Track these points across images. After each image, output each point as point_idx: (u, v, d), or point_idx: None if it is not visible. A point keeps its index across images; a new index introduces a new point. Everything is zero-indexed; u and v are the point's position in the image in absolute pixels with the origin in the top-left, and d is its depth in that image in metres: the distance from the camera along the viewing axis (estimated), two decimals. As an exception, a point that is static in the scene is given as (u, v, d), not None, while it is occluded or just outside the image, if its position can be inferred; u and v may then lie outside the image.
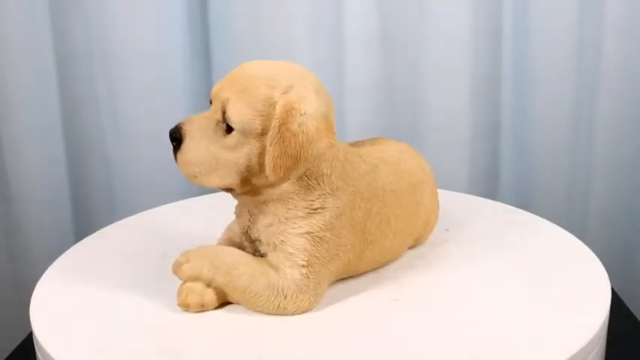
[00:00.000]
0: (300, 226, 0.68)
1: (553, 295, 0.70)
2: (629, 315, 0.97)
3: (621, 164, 1.28)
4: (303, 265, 0.67)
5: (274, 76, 0.66)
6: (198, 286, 0.68)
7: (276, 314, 0.67)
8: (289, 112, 0.65)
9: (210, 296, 0.68)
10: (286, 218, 0.69)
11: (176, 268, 0.69)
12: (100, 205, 1.29)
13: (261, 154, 0.66)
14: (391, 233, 0.75)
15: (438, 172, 1.29)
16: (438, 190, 0.86)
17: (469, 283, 0.73)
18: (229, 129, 0.67)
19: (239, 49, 1.23)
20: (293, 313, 0.67)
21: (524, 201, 1.31)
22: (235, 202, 0.74)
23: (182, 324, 0.66)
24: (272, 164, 0.65)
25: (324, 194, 0.68)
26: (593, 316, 0.66)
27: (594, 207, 1.30)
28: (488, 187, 1.32)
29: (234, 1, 1.22)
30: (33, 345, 0.68)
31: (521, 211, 0.95)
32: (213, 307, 0.68)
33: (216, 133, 0.68)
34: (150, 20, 1.21)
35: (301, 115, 0.65)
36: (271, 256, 0.69)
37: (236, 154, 0.67)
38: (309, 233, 0.68)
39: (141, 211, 0.98)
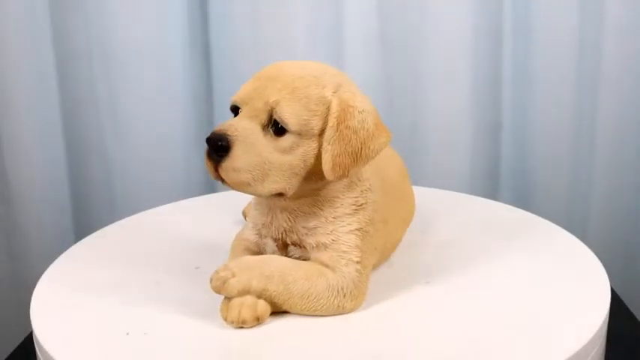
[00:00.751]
0: (349, 224, 0.68)
1: (553, 295, 0.70)
2: (629, 315, 0.97)
3: (622, 164, 1.28)
4: (357, 262, 0.67)
5: (320, 75, 0.66)
6: (249, 299, 0.64)
7: (334, 314, 0.66)
8: (346, 110, 0.64)
9: (263, 307, 0.64)
10: (334, 217, 0.68)
11: (221, 285, 0.64)
12: (100, 205, 1.29)
13: (318, 155, 0.65)
14: (399, 222, 0.77)
15: (439, 172, 1.30)
16: (438, 190, 0.86)
17: (468, 282, 0.73)
18: (279, 131, 0.64)
19: (239, 49, 1.23)
20: (350, 311, 0.67)
21: (525, 201, 1.31)
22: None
23: (182, 324, 0.66)
24: (331, 163, 0.64)
25: (365, 190, 0.69)
26: (592, 316, 0.66)
27: (595, 207, 1.30)
28: (489, 187, 1.32)
29: (234, 1, 1.22)
30: (33, 345, 0.68)
31: (521, 211, 0.95)
32: (267, 318, 0.65)
33: (266, 137, 0.64)
34: (150, 20, 1.21)
35: (360, 112, 0.65)
36: (323, 257, 0.68)
37: (290, 157, 0.65)
38: (358, 230, 0.68)
39: (141, 211, 0.98)
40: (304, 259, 0.69)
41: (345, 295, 0.66)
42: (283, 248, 0.71)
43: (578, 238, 0.84)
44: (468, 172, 1.29)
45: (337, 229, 0.68)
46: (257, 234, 0.72)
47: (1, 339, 1.21)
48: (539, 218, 0.91)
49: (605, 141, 1.27)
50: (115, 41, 1.21)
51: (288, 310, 0.66)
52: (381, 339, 0.63)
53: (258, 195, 0.66)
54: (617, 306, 0.90)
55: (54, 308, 0.70)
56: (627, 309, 0.98)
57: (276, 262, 0.67)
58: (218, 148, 0.64)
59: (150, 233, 0.88)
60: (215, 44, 1.25)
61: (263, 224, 0.71)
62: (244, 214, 0.89)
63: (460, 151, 1.28)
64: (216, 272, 0.64)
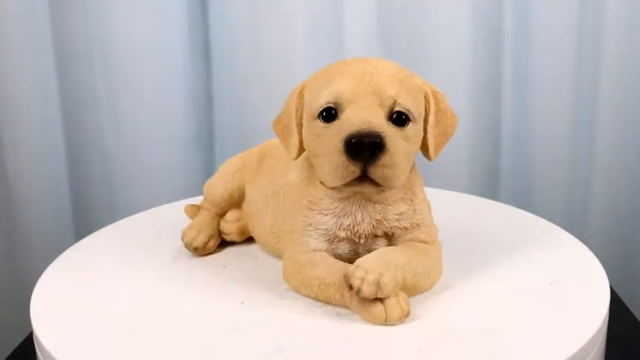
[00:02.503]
0: (422, 200, 0.72)
1: (552, 295, 0.70)
2: (629, 315, 0.97)
3: (621, 164, 1.28)
4: (437, 230, 0.73)
5: (401, 68, 0.68)
6: (401, 294, 0.64)
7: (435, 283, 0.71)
8: (437, 95, 0.69)
9: (405, 299, 0.65)
10: (412, 200, 0.71)
11: (374, 287, 0.61)
12: (100, 205, 1.29)
13: (423, 140, 0.69)
14: None
15: (438, 171, 1.30)
16: (438, 190, 0.86)
17: (467, 282, 0.73)
18: (402, 122, 0.65)
19: (239, 49, 1.24)
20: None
21: (525, 201, 1.31)
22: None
23: (182, 323, 0.66)
24: (434, 145, 0.69)
25: (415, 167, 0.73)
26: (592, 316, 0.66)
27: (594, 207, 1.31)
28: (489, 186, 1.32)
29: (234, 1, 1.22)
30: (33, 345, 0.68)
31: (520, 211, 0.95)
32: None
33: (395, 130, 0.64)
34: (150, 20, 1.21)
35: (444, 97, 0.70)
36: (421, 235, 0.71)
37: (412, 145, 0.67)
38: (427, 202, 0.74)
39: (141, 211, 0.98)
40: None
41: (442, 263, 0.72)
42: (364, 245, 0.70)
43: (577, 237, 0.84)
44: (468, 172, 1.29)
45: (419, 207, 0.71)
46: (327, 240, 0.70)
47: (1, 339, 1.21)
48: (539, 218, 0.91)
49: (605, 141, 1.27)
50: (115, 41, 1.21)
51: (413, 294, 0.68)
52: (381, 338, 0.63)
53: (393, 188, 0.65)
54: (617, 306, 0.90)
55: (54, 308, 0.70)
56: (627, 309, 0.98)
57: (391, 251, 0.67)
58: (374, 146, 0.61)
59: (150, 233, 0.88)
60: (215, 44, 1.25)
61: (345, 227, 0.69)
62: (191, 213, 0.89)
63: (460, 151, 1.28)
64: (360, 279, 0.62)
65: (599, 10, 1.21)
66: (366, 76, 0.64)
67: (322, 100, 0.65)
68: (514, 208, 0.96)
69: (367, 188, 0.64)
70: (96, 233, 0.90)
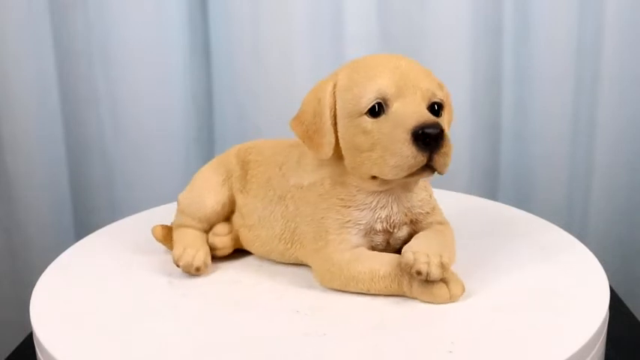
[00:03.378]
0: (430, 185, 0.77)
1: (552, 295, 0.70)
2: (629, 315, 0.97)
3: (621, 164, 1.28)
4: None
5: (418, 62, 0.71)
6: (454, 271, 0.70)
7: None
8: (447, 90, 0.72)
9: (456, 275, 0.70)
10: (426, 186, 0.75)
11: (441, 269, 0.66)
12: (100, 204, 1.29)
13: None
14: None
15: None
16: (437, 190, 0.86)
17: (467, 283, 0.73)
18: (437, 113, 0.69)
19: (239, 49, 1.24)
20: None
21: (524, 200, 1.31)
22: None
23: (182, 323, 0.66)
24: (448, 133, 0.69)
25: None
26: (592, 316, 0.66)
27: (594, 207, 1.31)
28: (488, 186, 1.32)
29: (234, 1, 1.22)
30: (33, 345, 0.68)
31: (520, 211, 0.95)
32: None
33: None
34: (150, 20, 1.21)
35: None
36: (438, 217, 0.76)
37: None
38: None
39: (141, 210, 0.97)
40: (410, 235, 0.73)
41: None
42: (395, 234, 0.73)
43: (577, 237, 0.84)
44: (467, 172, 1.29)
45: (431, 192, 0.76)
46: (365, 235, 0.72)
47: (1, 339, 1.21)
48: (538, 218, 0.91)
49: (605, 140, 1.27)
50: (115, 41, 1.21)
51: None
52: (381, 338, 0.63)
53: (446, 172, 0.68)
54: (617, 306, 0.90)
55: (54, 308, 0.70)
56: (627, 309, 0.98)
57: (428, 235, 0.72)
58: (439, 135, 0.64)
59: (150, 233, 0.88)
60: (215, 44, 1.25)
61: (382, 219, 0.71)
62: (163, 235, 0.83)
63: (459, 151, 1.27)
64: (426, 263, 0.65)
65: (599, 9, 1.21)
66: (401, 71, 0.67)
67: (370, 96, 0.66)
68: (513, 208, 0.96)
69: (427, 175, 0.67)
70: (96, 233, 0.90)
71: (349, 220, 0.71)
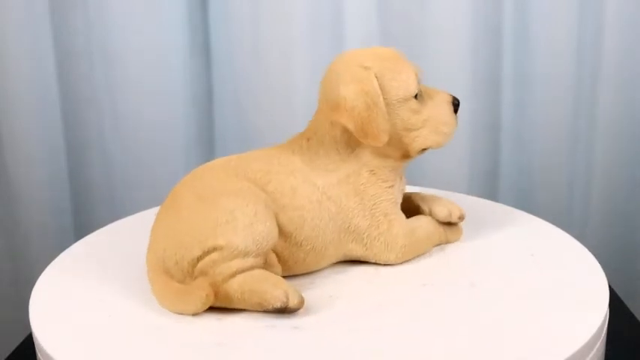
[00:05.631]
0: None
1: (552, 296, 0.70)
2: (629, 315, 0.97)
3: (621, 164, 1.28)
4: None
5: None
6: None
7: None
8: None
9: None
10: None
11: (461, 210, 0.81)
12: (100, 204, 1.29)
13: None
14: None
15: (438, 172, 1.30)
16: (437, 191, 0.87)
17: (467, 283, 0.73)
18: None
19: (239, 48, 1.24)
20: None
21: (524, 201, 1.31)
22: None
23: (182, 324, 0.66)
24: None
25: None
26: (591, 316, 0.66)
27: (594, 207, 1.31)
28: (488, 186, 1.32)
29: (234, 1, 1.22)
30: (33, 345, 0.68)
31: (519, 211, 0.95)
32: None
33: None
34: (150, 20, 1.21)
35: None
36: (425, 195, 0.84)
37: None
38: None
39: (141, 210, 0.97)
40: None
41: None
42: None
43: (577, 238, 0.84)
44: (467, 173, 1.29)
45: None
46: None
47: (1, 339, 1.21)
48: (538, 219, 0.91)
49: (604, 141, 1.27)
50: (115, 41, 1.21)
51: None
52: (378, 339, 0.63)
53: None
54: (617, 306, 0.90)
55: (53, 308, 0.70)
56: (627, 309, 0.98)
57: (422, 196, 0.84)
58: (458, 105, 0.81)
59: (150, 233, 0.88)
60: (215, 44, 1.25)
61: (401, 190, 0.80)
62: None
63: (459, 151, 1.28)
64: (460, 210, 0.81)
65: (599, 9, 1.21)
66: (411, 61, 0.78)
67: (415, 82, 0.76)
68: (512, 208, 0.96)
69: None
70: (96, 233, 0.90)
71: (395, 197, 0.77)
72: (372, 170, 0.75)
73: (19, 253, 1.27)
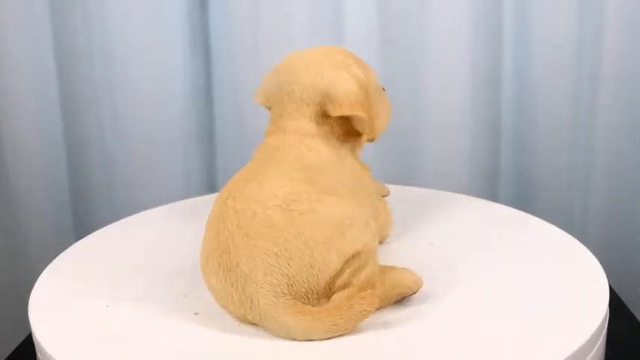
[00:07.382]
0: None
1: (552, 295, 0.70)
2: (629, 315, 0.97)
3: (621, 164, 1.28)
4: None
5: None
6: None
7: None
8: None
9: None
10: None
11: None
12: (100, 204, 1.29)
13: None
14: None
15: (438, 172, 1.30)
16: (437, 191, 0.87)
17: (467, 283, 0.73)
18: None
19: (239, 48, 1.24)
20: None
21: (524, 201, 1.31)
22: None
23: (182, 324, 0.66)
24: None
25: None
26: (592, 316, 0.66)
27: (594, 207, 1.30)
28: (488, 186, 1.32)
29: (234, 1, 1.22)
30: (33, 345, 0.68)
31: (519, 212, 0.95)
32: None
33: None
34: (150, 20, 1.21)
35: None
36: None
37: None
38: None
39: (141, 210, 0.98)
40: None
41: None
42: None
43: (577, 237, 0.84)
44: (467, 173, 1.29)
45: None
46: None
47: (1, 339, 1.21)
48: (538, 219, 0.91)
49: (605, 141, 1.27)
50: (115, 41, 1.21)
51: None
52: (380, 337, 0.63)
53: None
54: (617, 306, 0.90)
55: (53, 308, 0.70)
56: (627, 309, 0.98)
57: None
58: None
59: (150, 233, 0.88)
60: (215, 44, 1.25)
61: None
62: None
63: (459, 151, 1.28)
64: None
65: (599, 9, 1.21)
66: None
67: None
68: (512, 209, 0.96)
69: None
70: (96, 233, 0.90)
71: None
72: (353, 157, 0.79)
73: (19, 253, 1.27)
